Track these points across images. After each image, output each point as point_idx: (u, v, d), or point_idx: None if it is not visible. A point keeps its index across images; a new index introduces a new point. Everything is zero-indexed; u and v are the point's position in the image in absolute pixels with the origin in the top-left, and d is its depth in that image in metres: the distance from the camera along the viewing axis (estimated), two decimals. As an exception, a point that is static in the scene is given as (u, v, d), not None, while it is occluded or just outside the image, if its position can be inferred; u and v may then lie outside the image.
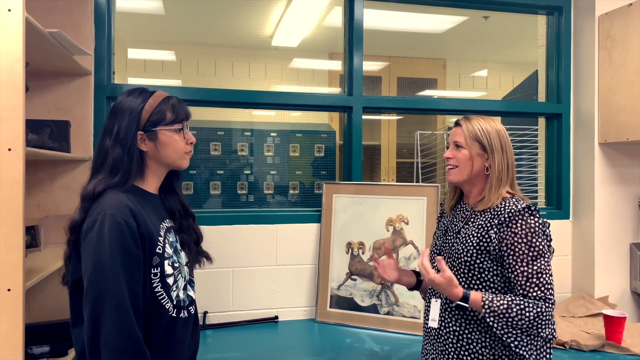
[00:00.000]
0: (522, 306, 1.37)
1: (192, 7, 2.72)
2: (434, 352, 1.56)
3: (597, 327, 2.24)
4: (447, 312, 1.52)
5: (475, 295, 1.40)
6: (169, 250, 1.34)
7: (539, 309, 1.36)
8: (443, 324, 1.53)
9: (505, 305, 1.37)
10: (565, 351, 2.04)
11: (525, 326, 1.36)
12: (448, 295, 1.41)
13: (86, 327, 1.18)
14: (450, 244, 1.56)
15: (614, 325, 2.07)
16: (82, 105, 2.14)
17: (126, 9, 2.51)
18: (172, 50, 2.94)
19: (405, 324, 2.28)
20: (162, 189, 1.44)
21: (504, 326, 1.37)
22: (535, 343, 1.39)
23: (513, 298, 1.39)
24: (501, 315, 1.37)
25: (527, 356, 1.38)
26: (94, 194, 1.27)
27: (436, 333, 1.55)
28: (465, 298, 1.40)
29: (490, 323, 1.38)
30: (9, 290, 1.33)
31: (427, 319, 1.58)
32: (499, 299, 1.39)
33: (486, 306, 1.38)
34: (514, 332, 1.37)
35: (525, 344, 1.38)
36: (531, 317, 1.36)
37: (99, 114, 2.21)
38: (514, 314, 1.36)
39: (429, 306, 1.58)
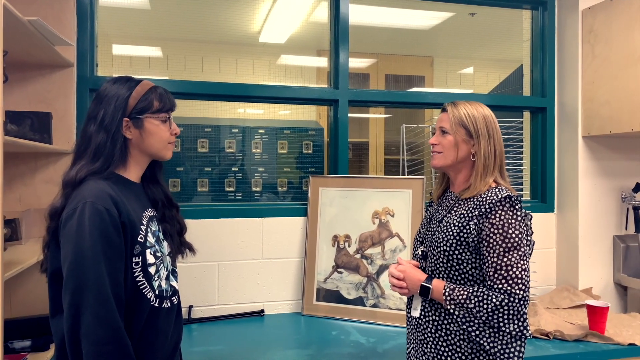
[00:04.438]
0: (480, 297, 1.35)
1: (178, 2, 2.71)
2: (415, 341, 1.56)
3: (581, 318, 2.26)
4: (428, 302, 1.51)
5: (438, 283, 1.44)
6: (151, 239, 1.32)
7: (498, 302, 1.33)
8: (424, 313, 1.52)
9: (464, 296, 1.38)
10: (549, 341, 2.06)
11: (484, 318, 1.35)
12: (413, 281, 1.49)
13: (66, 317, 1.15)
14: (432, 232, 1.55)
15: (597, 315, 2.08)
16: (64, 98, 2.12)
17: (111, 3, 2.49)
18: (159, 46, 2.92)
19: (392, 316, 2.28)
20: (145, 178, 1.42)
21: (465, 314, 1.38)
22: (500, 337, 1.36)
23: (475, 289, 1.38)
24: (460, 305, 1.38)
25: (488, 348, 1.36)
26: (75, 180, 1.25)
27: (417, 322, 1.54)
28: (429, 279, 1.46)
29: (452, 311, 1.40)
30: (-14, 280, 1.31)
31: (410, 308, 1.58)
32: (460, 289, 1.40)
33: (447, 294, 1.40)
34: (475, 321, 1.37)
35: (487, 335, 1.36)
36: (489, 309, 1.34)
37: (82, 106, 2.18)
38: (472, 304, 1.36)
39: (412, 295, 1.58)
